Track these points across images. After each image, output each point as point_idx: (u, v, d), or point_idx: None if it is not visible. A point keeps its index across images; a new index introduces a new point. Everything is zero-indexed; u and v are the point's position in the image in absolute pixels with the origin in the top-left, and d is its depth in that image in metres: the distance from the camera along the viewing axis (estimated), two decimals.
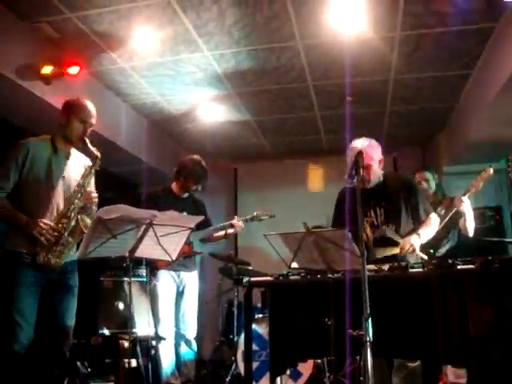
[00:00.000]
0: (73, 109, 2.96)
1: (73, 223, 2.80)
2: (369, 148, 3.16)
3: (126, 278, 4.89)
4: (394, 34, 4.16)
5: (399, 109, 5.79)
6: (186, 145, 6.91)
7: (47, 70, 4.09)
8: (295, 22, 3.99)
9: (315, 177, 6.99)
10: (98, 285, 4.98)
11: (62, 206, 2.84)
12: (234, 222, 4.20)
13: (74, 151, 3.05)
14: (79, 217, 2.82)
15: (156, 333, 3.99)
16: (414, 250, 2.95)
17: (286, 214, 6.28)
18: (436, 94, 5.37)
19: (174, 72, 4.85)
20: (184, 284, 4.14)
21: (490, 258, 2.41)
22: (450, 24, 4.02)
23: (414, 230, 3.09)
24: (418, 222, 3.14)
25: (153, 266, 4.05)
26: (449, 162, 6.22)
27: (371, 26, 4.05)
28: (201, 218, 3.05)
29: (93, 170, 2.95)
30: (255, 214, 4.35)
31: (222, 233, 4.23)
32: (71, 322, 2.88)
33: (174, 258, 2.84)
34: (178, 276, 4.11)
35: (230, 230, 4.19)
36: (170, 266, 3.89)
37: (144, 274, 4.80)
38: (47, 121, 3.20)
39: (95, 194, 2.96)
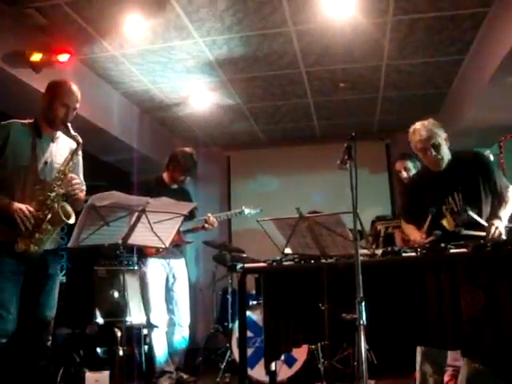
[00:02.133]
0: (57, 91, 2.81)
1: (53, 211, 2.66)
2: (435, 126, 3.06)
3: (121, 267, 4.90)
4: (386, 19, 4.13)
5: (391, 95, 5.78)
6: (178, 133, 6.89)
7: (36, 57, 4.02)
8: (287, 7, 3.95)
9: None
10: (91, 274, 4.99)
11: (43, 193, 2.69)
12: (208, 219, 4.19)
13: (60, 134, 2.90)
14: (58, 204, 2.67)
15: (148, 321, 4.01)
16: (500, 234, 2.81)
17: (279, 201, 6.32)
18: (428, 79, 5.37)
19: (165, 59, 4.81)
20: (174, 272, 4.17)
21: (482, 241, 2.43)
22: (442, 9, 4.00)
23: (494, 211, 2.97)
24: (497, 201, 3.01)
25: (142, 254, 4.07)
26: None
27: (363, 11, 4.02)
28: (193, 204, 3.06)
29: (75, 157, 2.80)
30: (240, 209, 4.48)
31: (199, 225, 4.24)
32: (51, 312, 2.76)
33: (167, 245, 2.84)
34: (168, 264, 4.14)
35: (206, 225, 4.20)
36: (159, 253, 3.93)
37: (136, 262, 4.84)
38: (37, 109, 3.16)
39: (77, 181, 2.78)
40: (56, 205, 2.67)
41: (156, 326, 3.99)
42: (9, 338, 2.55)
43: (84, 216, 2.51)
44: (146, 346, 4.68)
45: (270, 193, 6.93)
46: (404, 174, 4.21)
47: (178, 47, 4.57)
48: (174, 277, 4.17)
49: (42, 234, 2.64)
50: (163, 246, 2.83)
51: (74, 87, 2.85)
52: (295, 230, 2.60)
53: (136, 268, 4.28)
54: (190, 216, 4.13)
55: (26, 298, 2.66)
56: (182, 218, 2.83)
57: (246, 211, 4.45)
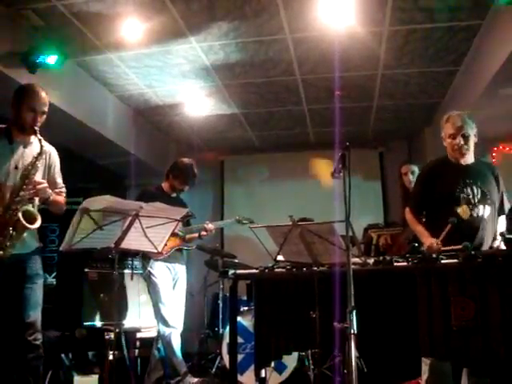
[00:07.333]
0: (22, 96, 2.77)
1: (17, 216, 2.61)
2: (469, 119, 3.07)
3: (122, 270, 4.88)
4: (383, 28, 4.17)
5: (386, 104, 5.82)
6: (172, 136, 6.89)
7: (33, 58, 4.02)
8: (284, 15, 3.98)
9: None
10: (82, 277, 4.96)
11: (10, 197, 2.65)
12: (207, 226, 4.24)
13: (34, 140, 2.82)
14: (21, 209, 2.62)
15: (167, 323, 3.97)
16: None
17: (272, 207, 6.33)
18: (423, 89, 5.41)
19: (161, 63, 4.81)
20: (177, 277, 4.18)
21: (473, 252, 2.45)
22: (438, 20, 4.04)
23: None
24: (501, 211, 3.08)
25: (147, 257, 4.06)
26: (435, 157, 6.25)
27: (360, 20, 4.05)
28: (186, 210, 3.07)
29: (38, 161, 2.74)
30: (233, 219, 4.57)
31: (196, 234, 4.27)
32: (34, 311, 2.72)
33: (160, 250, 2.83)
34: (174, 268, 4.15)
35: (204, 233, 4.23)
36: (163, 256, 3.94)
37: (135, 266, 4.83)
38: None
39: (43, 185, 2.71)
40: (20, 209, 2.62)
41: (174, 327, 3.98)
42: None
43: (76, 220, 2.50)
44: (137, 350, 4.66)
45: (262, 199, 6.94)
46: (410, 177, 4.26)
47: (174, 51, 4.58)
48: (175, 282, 4.18)
49: (5, 239, 2.60)
50: (155, 251, 2.82)
51: (41, 90, 2.81)
52: (288, 237, 2.61)
53: (135, 272, 4.32)
54: (186, 224, 4.19)
55: (6, 301, 2.64)
56: (175, 222, 2.83)
57: (239, 221, 4.51)
